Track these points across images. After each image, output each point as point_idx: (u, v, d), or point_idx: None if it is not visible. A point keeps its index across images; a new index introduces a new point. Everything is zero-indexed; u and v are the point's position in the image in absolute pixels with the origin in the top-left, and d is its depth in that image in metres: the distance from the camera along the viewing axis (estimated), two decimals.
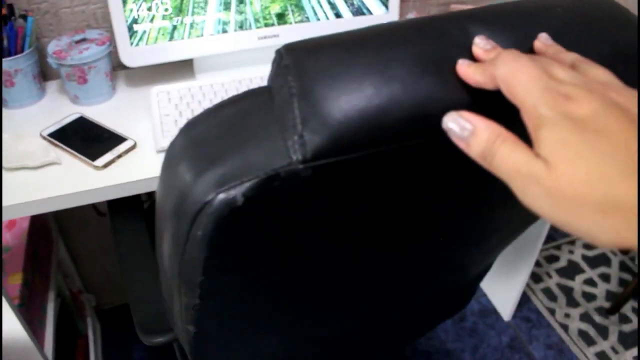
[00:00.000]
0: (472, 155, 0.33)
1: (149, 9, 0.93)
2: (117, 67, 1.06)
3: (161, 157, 0.86)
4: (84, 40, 0.96)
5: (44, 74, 1.05)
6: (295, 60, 0.37)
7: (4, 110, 0.97)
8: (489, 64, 0.35)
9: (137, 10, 0.93)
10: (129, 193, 0.84)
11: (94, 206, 1.27)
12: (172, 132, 0.88)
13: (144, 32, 0.95)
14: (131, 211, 0.92)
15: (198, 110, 0.91)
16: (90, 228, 1.38)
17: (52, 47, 0.94)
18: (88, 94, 0.97)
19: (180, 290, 0.45)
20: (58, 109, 0.98)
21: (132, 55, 0.96)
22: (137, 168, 0.84)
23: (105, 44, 0.95)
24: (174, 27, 0.96)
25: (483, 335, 1.52)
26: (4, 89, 0.95)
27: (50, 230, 1.28)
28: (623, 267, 1.72)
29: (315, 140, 0.35)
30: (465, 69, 0.36)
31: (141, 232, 0.85)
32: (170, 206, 0.40)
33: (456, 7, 1.25)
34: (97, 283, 1.51)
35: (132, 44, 0.95)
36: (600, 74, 0.34)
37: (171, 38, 0.97)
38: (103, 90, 0.98)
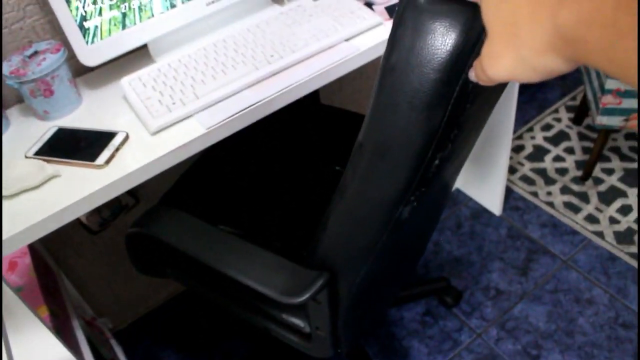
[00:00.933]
0: (485, 82, 0.40)
1: (94, 2, 0.91)
2: (74, 75, 1.03)
3: (157, 139, 0.86)
4: (35, 53, 0.93)
5: None
6: None
7: None
8: None
9: (83, 7, 0.90)
10: (141, 180, 0.84)
11: (84, 225, 1.24)
12: (161, 110, 0.87)
13: (96, 27, 0.93)
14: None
15: (178, 86, 0.91)
16: (86, 251, 1.34)
17: (6, 68, 0.91)
18: (57, 106, 0.94)
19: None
20: (29, 131, 0.95)
21: (90, 54, 0.94)
22: (140, 154, 0.84)
23: (61, 50, 0.93)
24: (124, 15, 0.95)
25: (482, 234, 1.60)
26: None
27: (48, 263, 1.25)
28: (582, 136, 1.85)
29: None
30: None
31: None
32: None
33: None
34: (106, 306, 1.48)
35: (87, 42, 0.93)
36: None
37: (124, 26, 0.95)
38: (71, 98, 0.96)
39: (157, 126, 0.86)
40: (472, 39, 0.45)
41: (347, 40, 1.00)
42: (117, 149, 0.85)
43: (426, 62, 0.46)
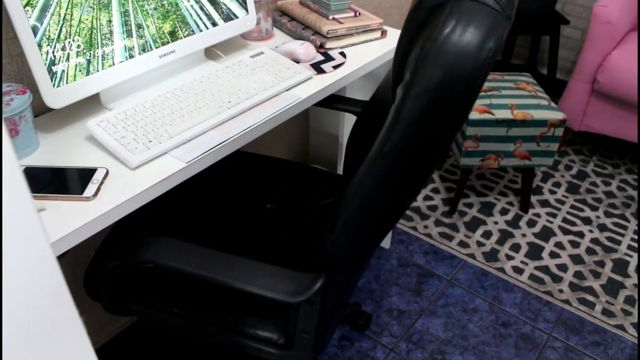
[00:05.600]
0: None
1: (63, 48, 0.96)
2: None
3: (139, 174, 0.92)
4: None
5: None
6: None
7: None
8: None
9: (53, 52, 0.95)
10: (128, 211, 0.89)
11: None
12: (139, 147, 0.94)
13: (63, 71, 0.97)
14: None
15: (149, 127, 0.99)
16: None
17: None
18: (20, 147, 0.95)
19: None
20: None
21: (56, 97, 0.98)
22: (126, 187, 0.90)
23: (27, 92, 0.95)
24: (89, 62, 1.01)
25: (378, 265, 1.81)
26: None
27: None
28: (443, 179, 2.20)
29: None
30: None
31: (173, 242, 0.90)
32: None
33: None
34: None
35: (54, 85, 0.97)
36: None
37: (88, 73, 1.01)
38: (32, 139, 0.97)
39: (138, 161, 0.92)
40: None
41: (287, 90, 1.17)
42: (102, 183, 0.89)
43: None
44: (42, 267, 0.50)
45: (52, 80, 0.96)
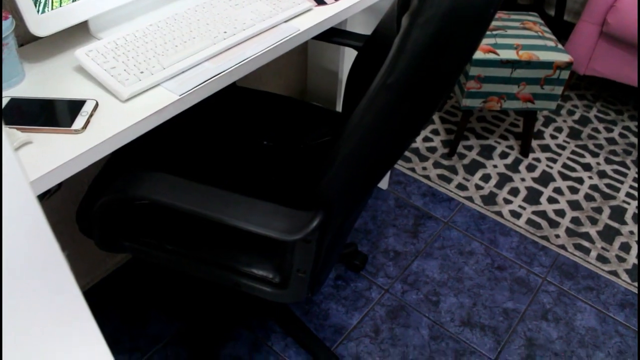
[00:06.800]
0: None
1: None
2: None
3: (130, 106, 0.88)
4: None
5: None
6: None
7: None
8: None
9: None
10: (118, 145, 0.86)
11: None
12: (131, 79, 0.90)
13: None
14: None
15: (140, 57, 0.94)
16: None
17: None
18: (4, 77, 0.91)
19: None
20: None
21: (41, 24, 0.92)
22: (117, 120, 0.86)
23: (9, 18, 0.90)
24: None
25: (374, 206, 1.80)
26: None
27: None
28: (443, 120, 2.15)
29: None
30: None
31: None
32: None
33: None
34: None
35: (38, 11, 0.91)
36: None
37: None
38: (17, 69, 0.92)
39: (130, 93, 0.88)
40: None
41: (286, 21, 1.11)
42: (91, 115, 0.86)
43: None
44: (19, 204, 0.47)
45: (36, 6, 0.91)
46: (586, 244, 1.72)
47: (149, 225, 1.02)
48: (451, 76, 0.67)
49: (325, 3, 1.20)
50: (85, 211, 1.04)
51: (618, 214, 1.83)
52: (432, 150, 2.03)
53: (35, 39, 1.05)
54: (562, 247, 1.71)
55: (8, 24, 0.89)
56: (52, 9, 0.93)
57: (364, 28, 1.59)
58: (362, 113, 0.68)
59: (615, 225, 1.79)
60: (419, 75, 0.64)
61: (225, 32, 1.02)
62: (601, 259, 1.67)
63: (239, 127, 1.27)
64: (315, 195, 0.79)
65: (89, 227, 1.03)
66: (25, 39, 1.04)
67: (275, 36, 1.06)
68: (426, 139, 2.07)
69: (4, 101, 0.88)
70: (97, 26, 1.04)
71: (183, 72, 0.95)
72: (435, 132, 2.11)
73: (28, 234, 0.43)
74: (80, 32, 1.06)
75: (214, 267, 0.98)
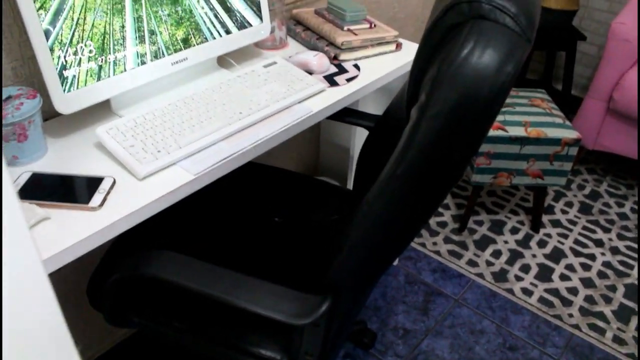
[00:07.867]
0: None
1: (75, 53, 0.95)
2: None
3: (146, 184, 0.91)
4: (9, 98, 0.93)
5: None
6: None
7: None
8: None
9: (64, 56, 0.94)
10: (134, 223, 0.87)
11: None
12: (148, 157, 0.92)
13: (74, 77, 0.96)
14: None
15: (158, 136, 0.97)
16: None
17: None
18: (28, 151, 0.94)
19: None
20: None
21: (66, 102, 0.96)
22: (133, 198, 0.88)
23: (37, 97, 0.94)
24: (100, 67, 1.00)
25: (384, 282, 1.79)
26: None
27: None
28: (454, 194, 2.17)
29: None
30: None
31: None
32: None
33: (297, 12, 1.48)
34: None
35: (64, 90, 0.96)
36: None
37: (99, 78, 1.00)
38: (41, 144, 0.96)
39: (146, 172, 0.91)
40: None
41: (299, 102, 1.15)
42: (108, 193, 0.88)
43: None
44: (34, 290, 0.48)
45: (62, 85, 0.95)
46: (601, 323, 1.68)
47: (158, 301, 1.02)
48: (459, 166, 0.69)
49: (337, 84, 1.24)
50: (96, 286, 1.04)
51: (633, 292, 1.80)
52: (443, 225, 2.03)
53: (59, 114, 1.09)
54: (576, 326, 1.67)
55: (36, 103, 0.93)
56: (77, 88, 0.97)
57: (376, 107, 1.63)
58: (372, 201, 0.70)
59: (630, 304, 1.75)
60: (427, 165, 0.66)
61: (240, 113, 1.06)
62: (617, 340, 1.63)
63: (250, 203, 1.29)
64: (325, 279, 0.80)
65: (99, 301, 1.03)
66: (50, 113, 1.09)
67: (289, 117, 1.10)
68: (437, 214, 2.08)
69: (26, 176, 0.91)
70: (118, 104, 1.09)
71: (199, 151, 0.98)
72: (446, 206, 2.12)
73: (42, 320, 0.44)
74: (101, 109, 1.10)
75: (221, 346, 0.97)
